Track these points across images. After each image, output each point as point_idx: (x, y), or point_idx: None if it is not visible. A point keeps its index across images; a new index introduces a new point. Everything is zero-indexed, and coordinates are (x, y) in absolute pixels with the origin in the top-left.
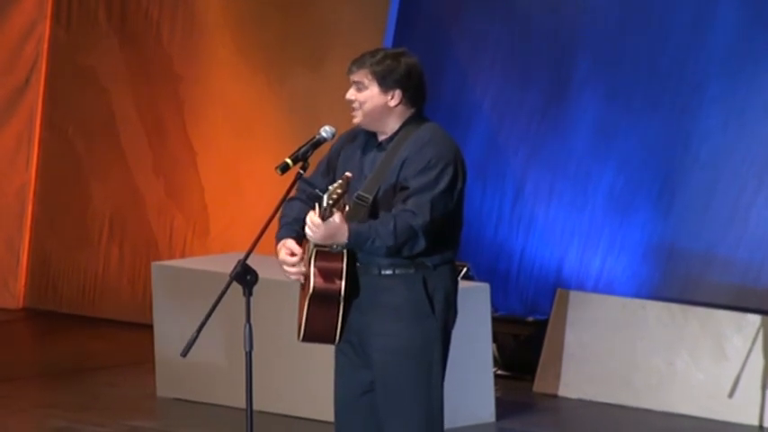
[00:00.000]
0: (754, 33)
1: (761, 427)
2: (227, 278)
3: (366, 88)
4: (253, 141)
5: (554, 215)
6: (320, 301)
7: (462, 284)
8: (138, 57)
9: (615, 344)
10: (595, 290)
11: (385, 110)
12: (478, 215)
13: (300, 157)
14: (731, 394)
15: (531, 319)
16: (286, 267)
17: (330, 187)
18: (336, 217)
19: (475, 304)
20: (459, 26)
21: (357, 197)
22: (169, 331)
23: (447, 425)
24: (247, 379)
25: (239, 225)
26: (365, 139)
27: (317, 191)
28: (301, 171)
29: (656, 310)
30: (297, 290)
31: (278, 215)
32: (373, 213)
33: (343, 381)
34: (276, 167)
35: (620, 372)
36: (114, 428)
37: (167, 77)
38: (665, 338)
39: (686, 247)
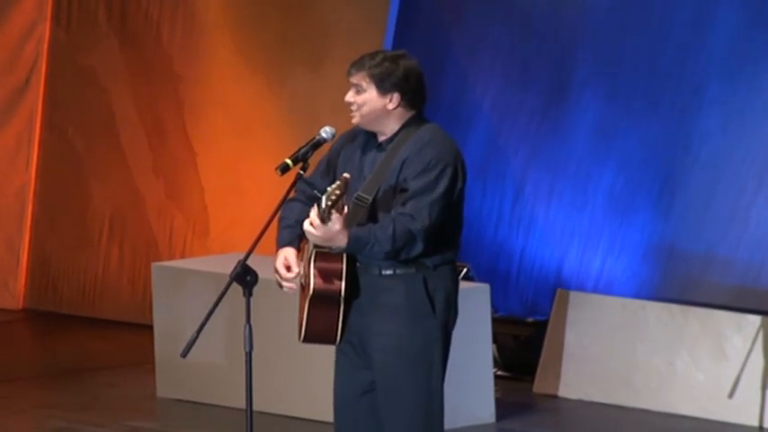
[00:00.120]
0: (754, 33)
1: (761, 427)
2: (228, 279)
3: (364, 91)
4: (253, 142)
5: (554, 215)
6: (320, 302)
7: (462, 285)
8: (138, 57)
9: (615, 344)
10: (595, 290)
11: (383, 112)
12: (478, 215)
13: (300, 158)
14: (731, 395)
15: (531, 319)
16: (279, 279)
17: (328, 188)
18: (336, 222)
19: (475, 305)
20: (459, 26)
21: (356, 198)
22: (169, 332)
23: (447, 425)
24: (247, 379)
25: (239, 225)
26: (365, 139)
27: (316, 192)
28: (301, 172)
29: (656, 311)
30: (297, 290)
31: (277, 217)
32: (372, 214)
33: (344, 381)
34: (276, 168)
35: (620, 372)
36: (114, 429)
37: (167, 78)
38: (665, 339)
39: (686, 247)
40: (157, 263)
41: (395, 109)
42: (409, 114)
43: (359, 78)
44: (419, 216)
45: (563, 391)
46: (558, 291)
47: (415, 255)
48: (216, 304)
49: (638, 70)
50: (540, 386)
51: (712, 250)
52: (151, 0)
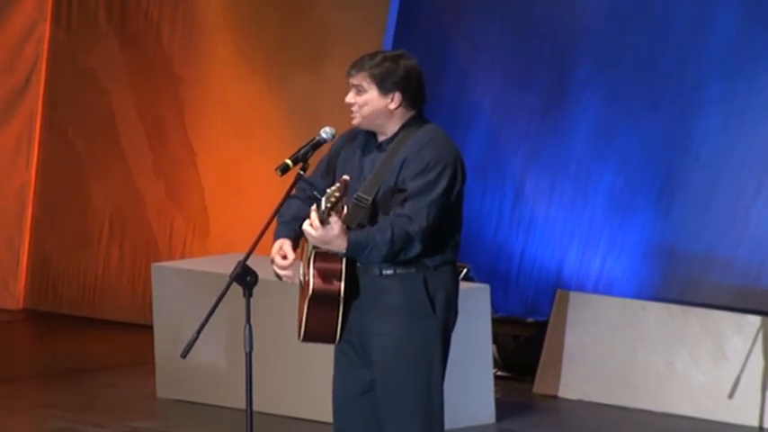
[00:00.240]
0: (754, 33)
1: (761, 427)
2: (227, 279)
3: (365, 91)
4: (253, 142)
5: (554, 216)
6: (320, 303)
7: (462, 285)
8: (138, 57)
9: (615, 345)
10: (595, 291)
11: (385, 113)
12: (478, 216)
13: (300, 159)
14: (731, 395)
15: (531, 319)
16: (276, 269)
17: (328, 190)
18: (336, 226)
19: (475, 305)
20: (459, 26)
21: (356, 198)
22: (169, 332)
23: (447, 426)
24: (247, 380)
25: (239, 226)
26: (365, 139)
27: (316, 193)
28: (301, 172)
29: (656, 311)
30: (297, 290)
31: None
32: (372, 214)
33: (343, 380)
34: (276, 168)
35: (620, 372)
36: (114, 429)
37: (167, 78)
38: (665, 339)
39: (686, 247)
40: (157, 263)
41: (396, 109)
42: (410, 114)
43: (359, 79)
44: (417, 217)
45: (563, 392)
46: (558, 291)
47: (412, 256)
48: (216, 304)
49: (638, 70)
50: (540, 386)
51: (712, 250)
52: (151, 0)
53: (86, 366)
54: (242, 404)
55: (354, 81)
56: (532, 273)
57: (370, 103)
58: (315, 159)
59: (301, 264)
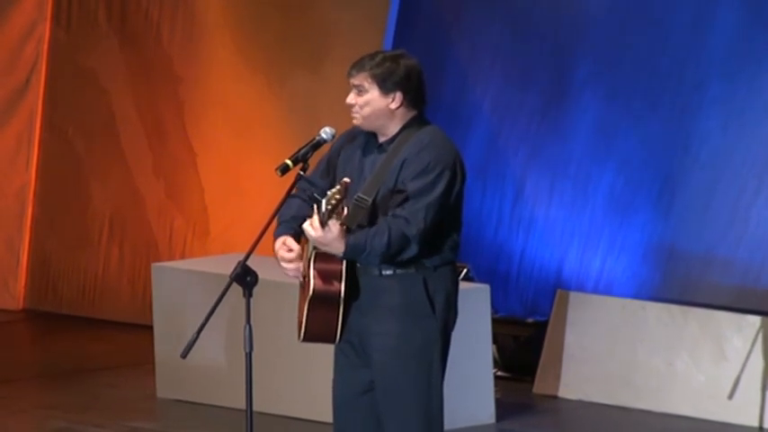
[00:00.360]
0: (754, 34)
1: (761, 428)
2: (227, 279)
3: (366, 92)
4: (253, 142)
5: (554, 216)
6: (320, 303)
7: (462, 285)
8: (138, 57)
9: (615, 345)
10: (595, 291)
11: (386, 113)
12: (478, 216)
13: (300, 159)
14: (731, 395)
15: (531, 320)
16: (284, 263)
17: (329, 192)
18: (334, 229)
19: (475, 305)
20: (459, 26)
21: (356, 199)
22: (169, 332)
23: (447, 426)
24: (247, 380)
25: (239, 226)
26: (365, 139)
27: (316, 194)
28: (301, 172)
29: (655, 311)
30: (297, 291)
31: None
32: (372, 215)
33: (343, 380)
34: (276, 169)
35: (620, 373)
36: (114, 429)
37: (167, 78)
38: (665, 339)
39: (686, 247)
40: (157, 263)
41: (397, 109)
42: (411, 115)
43: (360, 79)
44: (414, 219)
45: (563, 392)
46: (558, 291)
47: (408, 257)
48: (216, 305)
49: (638, 70)
50: (540, 387)
51: (712, 250)
52: (151, 0)
53: (86, 366)
54: (242, 404)
55: (355, 81)
56: (532, 273)
57: (371, 103)
58: (315, 159)
59: (302, 264)
